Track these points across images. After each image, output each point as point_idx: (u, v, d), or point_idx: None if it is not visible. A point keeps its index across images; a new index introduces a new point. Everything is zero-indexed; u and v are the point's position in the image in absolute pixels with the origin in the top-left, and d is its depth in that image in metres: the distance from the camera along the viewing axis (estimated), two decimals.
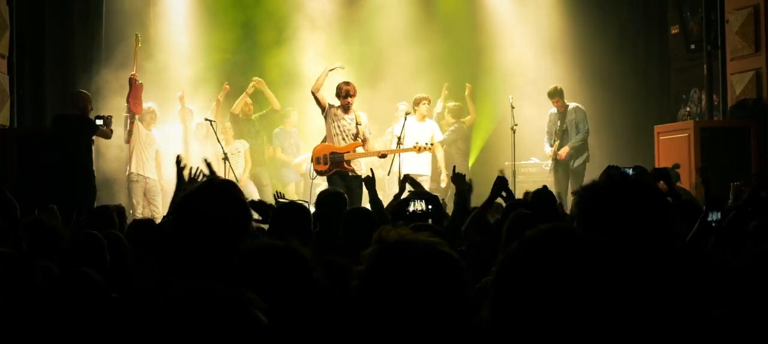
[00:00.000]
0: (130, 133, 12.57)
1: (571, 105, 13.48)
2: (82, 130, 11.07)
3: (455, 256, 2.50)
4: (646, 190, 2.51)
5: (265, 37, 15.09)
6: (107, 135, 11.42)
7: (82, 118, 11.10)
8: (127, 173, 12.74)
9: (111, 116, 11.40)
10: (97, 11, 13.89)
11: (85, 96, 11.43)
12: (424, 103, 13.56)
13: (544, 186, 7.14)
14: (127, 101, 12.50)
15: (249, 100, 14.26)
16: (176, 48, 14.57)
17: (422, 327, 2.33)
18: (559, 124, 13.43)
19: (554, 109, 13.54)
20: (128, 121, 12.57)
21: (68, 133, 10.95)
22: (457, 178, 7.29)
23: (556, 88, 13.51)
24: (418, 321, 2.35)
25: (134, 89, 12.49)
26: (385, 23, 15.13)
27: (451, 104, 14.67)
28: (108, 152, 12.93)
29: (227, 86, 14.00)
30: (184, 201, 3.24)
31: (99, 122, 11.09)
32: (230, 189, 3.28)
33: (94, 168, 11.42)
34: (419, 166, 12.96)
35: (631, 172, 5.72)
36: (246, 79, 14.42)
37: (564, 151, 13.26)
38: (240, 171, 13.46)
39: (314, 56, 14.31)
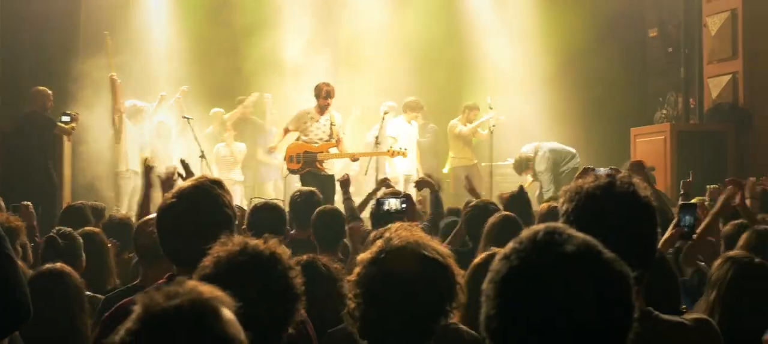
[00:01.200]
0: (119, 133, 12.36)
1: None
2: (38, 127, 10.92)
3: (444, 257, 2.59)
4: (637, 195, 2.49)
5: (243, 21, 15.00)
6: (66, 132, 11.24)
7: (40, 115, 10.97)
8: (117, 170, 12.50)
9: (77, 113, 11.26)
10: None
11: (43, 93, 11.27)
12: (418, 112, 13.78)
13: (520, 187, 7.19)
14: (112, 101, 12.34)
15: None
16: (153, 42, 14.48)
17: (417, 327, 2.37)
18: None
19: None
20: (116, 120, 12.37)
21: (27, 131, 10.84)
22: (420, 184, 8.03)
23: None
24: (415, 320, 2.42)
25: (115, 89, 12.36)
26: (367, 20, 15.16)
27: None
28: (92, 150, 12.78)
29: (186, 88, 13.82)
30: (169, 203, 3.19)
31: (65, 119, 10.94)
32: (216, 188, 3.22)
33: (52, 168, 11.20)
34: (407, 166, 13.07)
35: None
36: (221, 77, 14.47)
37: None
38: (236, 175, 13.61)
39: (295, 52, 14.36)
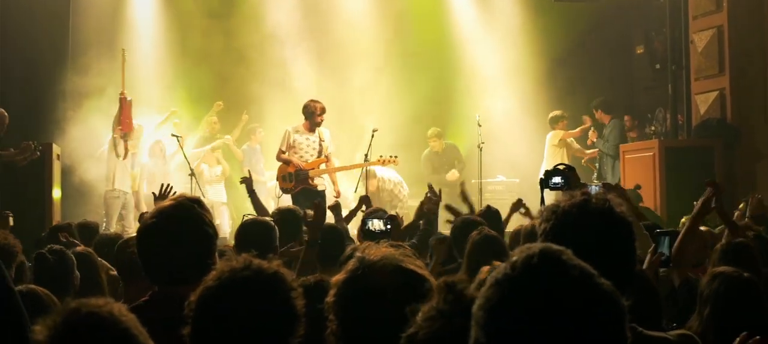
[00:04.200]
0: (125, 151, 12.09)
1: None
2: None
3: (422, 272, 2.56)
4: (612, 212, 2.50)
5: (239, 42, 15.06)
6: (12, 160, 10.62)
7: None
8: (108, 189, 12.19)
9: (30, 144, 10.68)
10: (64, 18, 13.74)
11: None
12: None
13: (488, 206, 7.24)
14: (118, 121, 12.06)
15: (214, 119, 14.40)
16: (146, 59, 14.49)
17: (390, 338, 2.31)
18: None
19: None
20: (120, 140, 12.06)
21: None
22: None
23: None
24: (385, 333, 2.35)
25: (125, 107, 12.10)
26: (352, 37, 15.23)
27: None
28: (83, 167, 12.75)
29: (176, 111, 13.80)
30: (149, 222, 3.19)
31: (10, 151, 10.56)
32: (196, 207, 3.22)
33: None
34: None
35: (594, 189, 5.71)
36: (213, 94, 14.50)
37: None
38: (217, 198, 13.62)
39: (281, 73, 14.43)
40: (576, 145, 14.41)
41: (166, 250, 3.09)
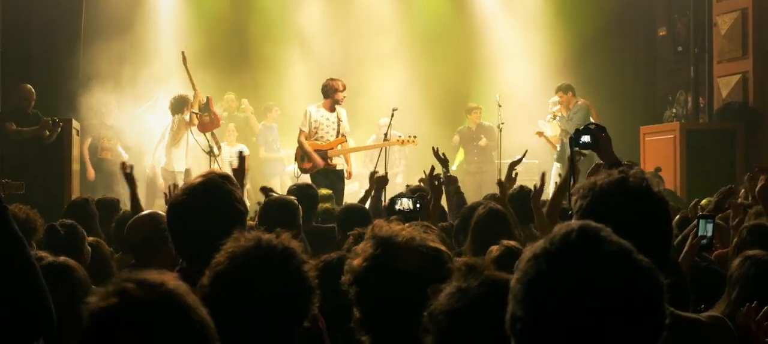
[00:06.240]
0: (219, 148, 12.26)
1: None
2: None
3: (441, 250, 2.55)
4: (650, 191, 2.47)
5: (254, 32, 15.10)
6: (35, 135, 10.85)
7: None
8: (168, 169, 12.27)
9: (48, 120, 10.88)
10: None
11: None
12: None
13: (520, 186, 7.15)
14: (211, 121, 12.28)
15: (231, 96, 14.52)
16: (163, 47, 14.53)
17: (409, 317, 2.33)
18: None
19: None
20: (211, 137, 12.13)
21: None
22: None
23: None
24: (407, 312, 2.37)
25: (211, 106, 12.38)
26: (368, 21, 15.23)
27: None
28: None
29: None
30: (179, 199, 3.17)
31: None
32: (227, 184, 3.20)
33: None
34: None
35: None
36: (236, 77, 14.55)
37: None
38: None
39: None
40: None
41: (196, 226, 3.08)
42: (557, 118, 13.13)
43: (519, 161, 7.85)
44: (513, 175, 7.20)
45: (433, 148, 7.96)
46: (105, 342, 1.78)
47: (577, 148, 4.39)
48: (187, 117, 12.16)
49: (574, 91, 13.11)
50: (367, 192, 8.11)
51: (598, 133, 4.24)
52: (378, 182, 8.01)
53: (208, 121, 12.25)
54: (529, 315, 1.62)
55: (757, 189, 5.33)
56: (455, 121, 15.04)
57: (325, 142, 11.08)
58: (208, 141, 11.85)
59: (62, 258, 3.80)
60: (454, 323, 2.11)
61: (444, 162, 7.69)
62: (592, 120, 12.83)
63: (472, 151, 14.47)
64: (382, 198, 8.06)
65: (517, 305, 1.65)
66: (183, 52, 12.49)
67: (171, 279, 1.88)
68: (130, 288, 1.80)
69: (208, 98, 12.36)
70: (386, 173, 9.04)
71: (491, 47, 15.47)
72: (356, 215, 5.79)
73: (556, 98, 13.12)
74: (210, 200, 3.11)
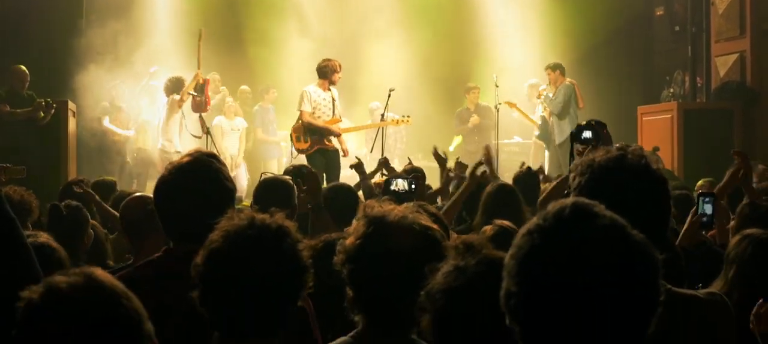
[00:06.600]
0: (207, 131, 12.26)
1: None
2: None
3: (433, 229, 2.57)
4: (649, 168, 2.46)
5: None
6: (29, 117, 10.85)
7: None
8: (167, 150, 12.21)
9: (42, 102, 10.86)
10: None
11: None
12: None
13: (528, 168, 7.14)
14: (201, 103, 12.33)
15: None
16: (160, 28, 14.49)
17: (402, 296, 2.35)
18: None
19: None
20: (200, 118, 12.34)
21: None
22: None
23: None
24: (399, 291, 2.39)
25: (207, 88, 12.46)
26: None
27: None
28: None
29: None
30: (167, 178, 3.14)
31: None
32: (214, 162, 3.17)
33: None
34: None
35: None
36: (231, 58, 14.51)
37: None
38: (234, 151, 13.58)
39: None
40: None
41: (183, 205, 3.04)
42: (542, 96, 13.13)
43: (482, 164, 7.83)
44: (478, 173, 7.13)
45: (433, 149, 7.92)
46: (33, 335, 1.85)
47: (579, 143, 4.38)
48: (177, 97, 12.16)
49: (563, 70, 13.09)
50: (373, 173, 8.14)
51: (600, 128, 4.23)
52: (383, 165, 8.09)
53: (199, 102, 12.25)
54: (522, 290, 1.62)
55: (729, 173, 5.33)
56: (453, 99, 15.00)
57: (322, 122, 11.06)
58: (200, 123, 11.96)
59: (43, 238, 3.77)
60: (452, 302, 2.11)
61: (443, 162, 7.68)
62: (575, 100, 12.86)
63: (471, 131, 14.45)
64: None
65: (511, 280, 1.65)
66: (201, 30, 12.47)
67: (101, 272, 1.95)
68: (57, 282, 1.88)
69: (205, 80, 12.34)
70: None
71: (489, 26, 15.41)
72: (343, 194, 5.77)
73: (534, 80, 13.35)
74: (197, 178, 3.06)
